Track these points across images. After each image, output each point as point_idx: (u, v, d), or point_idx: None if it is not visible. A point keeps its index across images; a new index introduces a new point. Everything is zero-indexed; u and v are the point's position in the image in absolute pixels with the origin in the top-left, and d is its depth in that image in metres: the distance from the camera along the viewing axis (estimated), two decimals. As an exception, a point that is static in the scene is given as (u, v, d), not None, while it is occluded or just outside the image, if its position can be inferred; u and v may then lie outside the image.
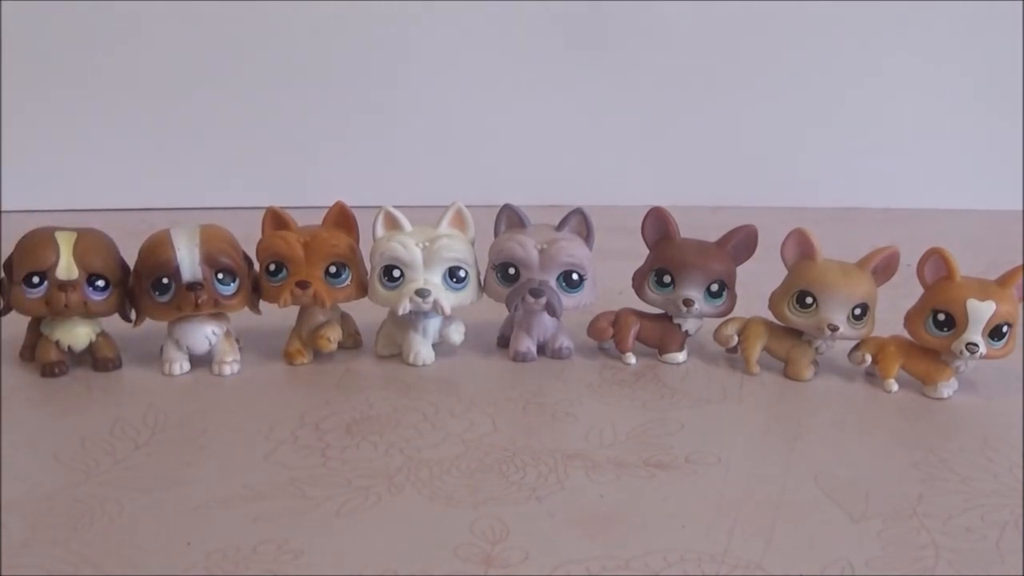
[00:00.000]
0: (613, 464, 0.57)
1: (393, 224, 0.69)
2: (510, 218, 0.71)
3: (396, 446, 0.59)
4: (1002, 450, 0.60)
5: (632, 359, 0.73)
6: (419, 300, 0.68)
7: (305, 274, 0.68)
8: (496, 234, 0.72)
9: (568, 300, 0.70)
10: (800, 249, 0.69)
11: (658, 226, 0.72)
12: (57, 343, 0.68)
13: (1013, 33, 1.32)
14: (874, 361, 0.69)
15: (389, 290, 0.69)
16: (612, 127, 1.36)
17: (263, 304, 0.71)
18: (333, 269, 0.69)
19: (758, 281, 0.72)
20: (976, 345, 0.64)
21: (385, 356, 0.74)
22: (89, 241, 0.66)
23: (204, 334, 0.69)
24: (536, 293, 0.69)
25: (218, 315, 0.69)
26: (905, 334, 0.68)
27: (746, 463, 0.57)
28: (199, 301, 0.65)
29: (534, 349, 0.74)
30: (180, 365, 0.69)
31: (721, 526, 0.50)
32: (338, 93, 1.30)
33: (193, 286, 0.65)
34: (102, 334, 0.70)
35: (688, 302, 0.70)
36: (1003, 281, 0.65)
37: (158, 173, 1.30)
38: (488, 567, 0.46)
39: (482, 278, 0.72)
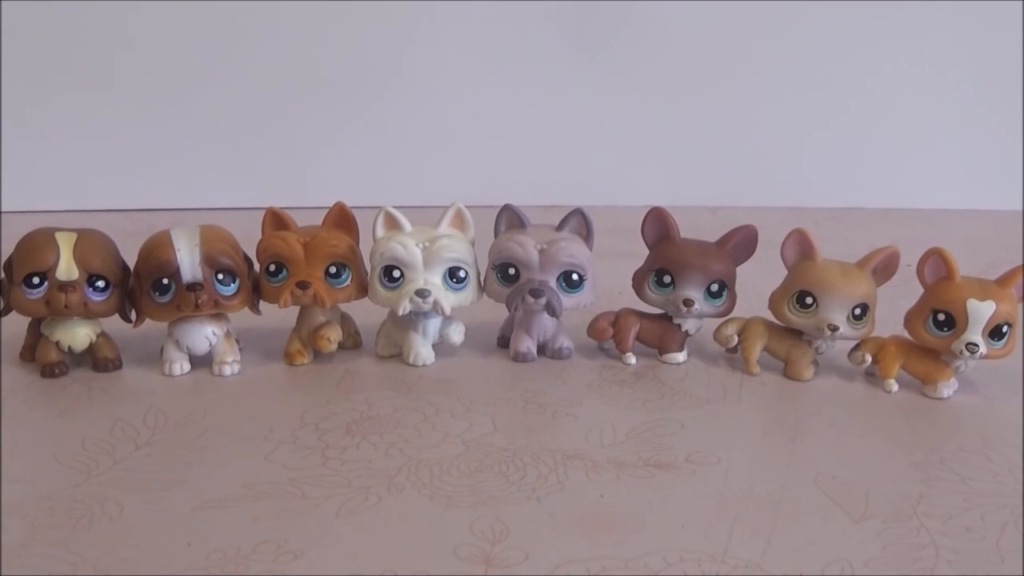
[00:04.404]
0: (613, 464, 0.57)
1: (393, 224, 0.69)
2: (510, 218, 0.71)
3: (396, 446, 0.59)
4: (1002, 450, 0.60)
5: (632, 359, 0.73)
6: (419, 300, 0.68)
7: (305, 274, 0.68)
8: (496, 234, 0.72)
9: (568, 300, 0.70)
10: (800, 249, 0.69)
11: (658, 226, 0.72)
12: (57, 344, 0.68)
13: (1013, 34, 1.32)
14: (874, 361, 0.69)
15: (389, 290, 0.69)
16: (612, 127, 1.36)
17: (263, 304, 0.71)
18: (333, 269, 0.69)
19: (758, 281, 0.72)
20: (976, 345, 0.64)
21: (385, 356, 0.74)
22: (89, 242, 0.66)
23: (204, 334, 0.69)
24: (536, 293, 0.69)
25: (218, 315, 0.69)
26: (905, 334, 0.68)
27: (746, 463, 0.57)
28: (199, 302, 0.65)
29: (534, 349, 0.74)
30: (180, 365, 0.69)
31: (721, 526, 0.50)
32: (338, 93, 1.31)
33: (193, 287, 0.65)
34: (102, 335, 0.70)
35: (688, 302, 0.70)
36: (1003, 281, 0.65)
37: (158, 173, 1.30)
38: (488, 567, 0.46)
39: (482, 278, 0.72)
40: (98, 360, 0.70)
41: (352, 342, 0.76)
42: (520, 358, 0.73)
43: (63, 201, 1.25)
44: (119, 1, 1.22)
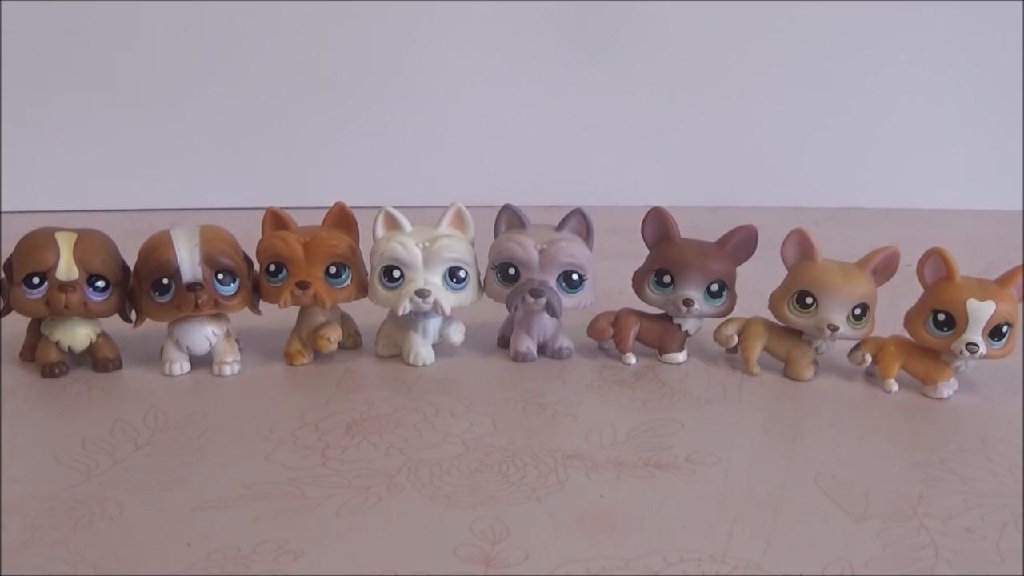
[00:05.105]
0: (613, 464, 0.57)
1: (393, 224, 0.69)
2: (510, 218, 0.71)
3: (396, 446, 0.59)
4: (1002, 450, 0.60)
5: (632, 359, 0.73)
6: (419, 300, 0.68)
7: (305, 274, 0.68)
8: (496, 234, 0.72)
9: (568, 300, 0.70)
10: (800, 249, 0.69)
11: (658, 226, 0.72)
12: (57, 344, 0.68)
13: (1013, 34, 1.32)
14: (874, 361, 0.69)
15: (389, 290, 0.69)
16: (612, 127, 1.36)
17: (263, 304, 0.71)
18: (333, 269, 0.69)
19: (758, 281, 0.72)
20: (976, 345, 0.64)
21: (385, 356, 0.74)
22: (89, 242, 0.66)
23: (204, 334, 0.69)
24: (536, 293, 0.69)
25: (218, 315, 0.69)
26: (905, 334, 0.68)
27: (746, 463, 0.57)
28: (199, 302, 0.65)
29: (534, 349, 0.74)
30: (180, 365, 0.69)
31: (721, 526, 0.50)
32: (338, 93, 1.30)
33: (193, 287, 0.65)
34: (102, 335, 0.70)
35: (688, 302, 0.70)
36: (1003, 281, 0.65)
37: (158, 173, 1.30)
38: (488, 567, 0.46)
39: (482, 278, 0.72)
40: (98, 360, 0.70)
41: (352, 342, 0.76)
42: (520, 358, 0.73)
43: (63, 201, 1.24)
44: (119, 1, 1.22)
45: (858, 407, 0.66)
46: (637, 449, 0.59)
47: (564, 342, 0.74)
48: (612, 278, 0.79)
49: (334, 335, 0.71)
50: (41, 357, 0.69)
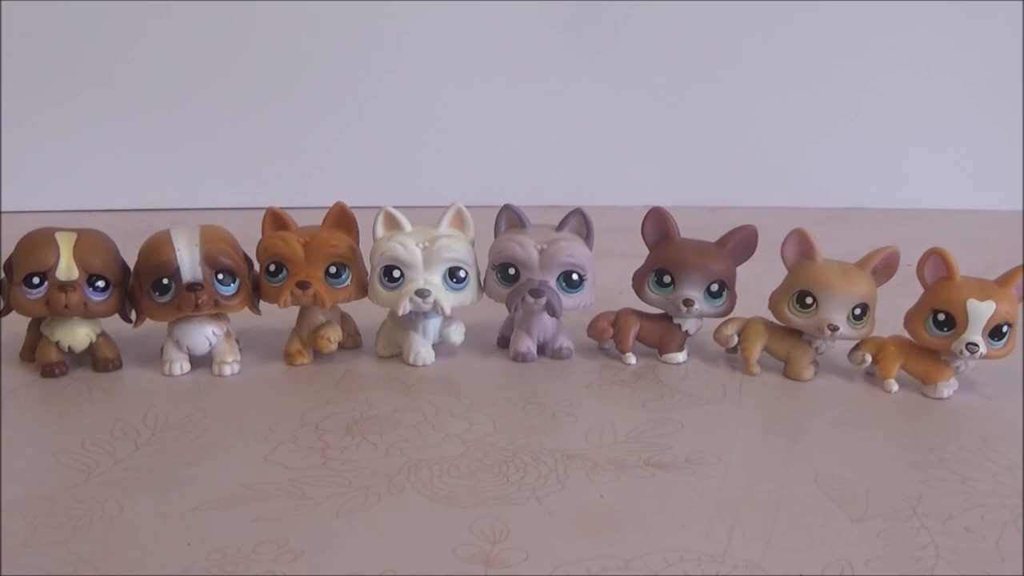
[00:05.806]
0: (613, 464, 0.57)
1: (393, 224, 0.69)
2: (510, 218, 0.71)
3: (396, 446, 0.59)
4: (1002, 450, 0.60)
5: (632, 359, 0.73)
6: (419, 300, 0.68)
7: (305, 274, 0.68)
8: (496, 234, 0.72)
9: (568, 300, 0.70)
10: (800, 249, 0.69)
11: (658, 226, 0.72)
12: (57, 343, 0.68)
13: (1013, 33, 1.32)
14: (874, 361, 0.69)
15: (389, 290, 0.69)
16: (612, 127, 1.36)
17: (263, 304, 0.71)
18: (333, 269, 0.69)
19: (758, 281, 0.72)
20: (976, 345, 0.64)
21: (385, 356, 0.74)
22: (89, 242, 0.66)
23: (204, 334, 0.69)
24: (536, 293, 0.69)
25: (218, 315, 0.69)
26: (905, 334, 0.68)
27: (746, 463, 0.57)
28: (199, 302, 0.65)
29: (534, 349, 0.74)
30: (180, 365, 0.69)
31: (721, 526, 0.50)
32: (338, 93, 1.31)
33: (193, 287, 0.65)
34: (102, 334, 0.70)
35: (688, 302, 0.70)
36: (1003, 281, 0.65)
37: (158, 173, 1.30)
38: (488, 567, 0.46)
39: (482, 278, 0.72)
40: (98, 360, 0.70)
41: (352, 342, 0.76)
42: (520, 358, 0.73)
43: (63, 201, 1.25)
44: (119, 1, 1.22)
45: (858, 407, 0.66)
46: (637, 449, 0.59)
47: (564, 342, 0.74)
48: (612, 278, 0.79)
49: (334, 335, 0.71)
50: (41, 357, 0.69)
